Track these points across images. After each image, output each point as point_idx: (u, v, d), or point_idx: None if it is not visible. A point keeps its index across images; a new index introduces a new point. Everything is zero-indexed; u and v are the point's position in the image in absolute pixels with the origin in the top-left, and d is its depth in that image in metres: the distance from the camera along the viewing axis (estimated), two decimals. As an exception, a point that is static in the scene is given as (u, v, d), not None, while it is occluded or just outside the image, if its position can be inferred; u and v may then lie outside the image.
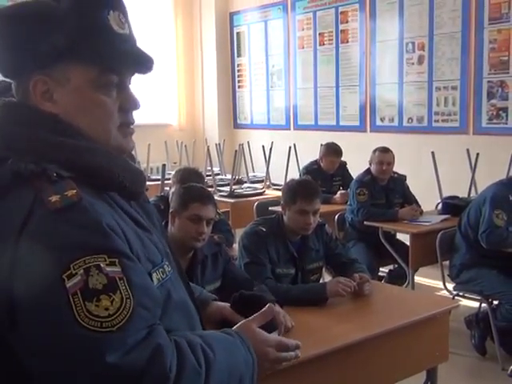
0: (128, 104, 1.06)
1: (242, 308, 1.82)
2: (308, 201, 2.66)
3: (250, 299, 1.87)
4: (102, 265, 0.87)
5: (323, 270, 2.99)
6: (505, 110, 5.39)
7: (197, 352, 0.97)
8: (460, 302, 3.40)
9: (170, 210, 2.39)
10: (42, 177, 0.92)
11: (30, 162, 0.93)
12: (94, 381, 0.86)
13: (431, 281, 4.89)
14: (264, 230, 2.70)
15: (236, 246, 3.56)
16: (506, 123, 5.38)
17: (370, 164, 4.64)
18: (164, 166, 4.49)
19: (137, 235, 1.00)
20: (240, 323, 1.20)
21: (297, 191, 2.71)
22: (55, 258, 0.86)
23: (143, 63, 1.06)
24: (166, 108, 8.59)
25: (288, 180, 3.07)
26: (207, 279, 2.36)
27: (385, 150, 4.57)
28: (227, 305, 1.92)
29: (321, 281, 2.94)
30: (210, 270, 2.40)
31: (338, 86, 7.00)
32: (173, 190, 3.46)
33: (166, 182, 4.54)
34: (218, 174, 6.71)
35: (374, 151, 4.62)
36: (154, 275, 1.01)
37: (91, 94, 1.01)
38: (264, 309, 1.23)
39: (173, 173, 3.63)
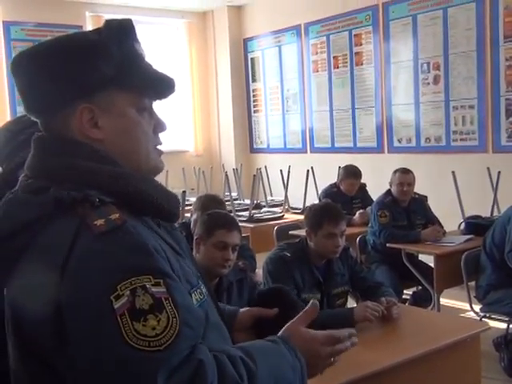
0: (159, 126, 1.13)
1: (265, 305, 1.81)
2: (334, 223, 2.65)
3: (269, 294, 1.89)
4: (147, 285, 0.89)
5: (348, 294, 2.96)
6: (524, 127, 5.35)
7: (237, 365, 0.97)
8: (488, 324, 3.34)
9: (195, 237, 2.38)
10: (85, 203, 0.95)
11: (71, 189, 0.96)
12: None
13: (457, 302, 4.81)
14: (289, 255, 2.68)
15: (258, 271, 3.54)
16: (526, 140, 5.34)
17: (391, 185, 4.61)
18: (184, 192, 4.49)
19: (175, 257, 1.02)
20: (285, 327, 1.17)
21: (322, 215, 2.70)
22: (102, 280, 0.88)
23: (170, 85, 1.12)
24: (183, 135, 8.64)
25: (309, 205, 3.05)
26: (233, 306, 2.33)
27: (405, 171, 4.54)
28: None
29: (346, 306, 2.91)
30: (235, 296, 2.38)
31: (353, 108, 7.00)
32: (194, 216, 3.46)
33: (185, 208, 4.55)
34: (236, 199, 6.71)
35: (395, 172, 4.59)
36: (193, 296, 1.03)
37: (134, 118, 1.07)
38: (307, 307, 1.21)
39: (192, 200, 3.64)
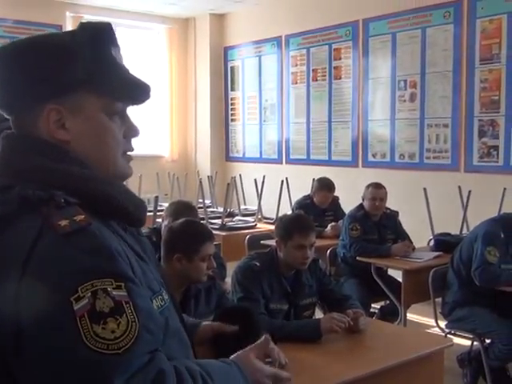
0: (131, 132, 1.12)
1: (227, 321, 1.86)
2: (304, 235, 2.66)
3: (233, 311, 1.95)
4: (109, 288, 0.89)
5: (316, 306, 2.97)
6: (496, 148, 5.45)
7: (196, 379, 0.98)
8: (452, 341, 3.37)
9: (175, 255, 2.35)
10: (50, 203, 0.94)
11: (37, 188, 0.95)
12: None
13: (423, 318, 4.86)
14: (258, 264, 2.68)
15: (228, 279, 3.53)
16: (497, 161, 5.43)
17: (363, 199, 4.65)
18: (157, 197, 4.48)
19: (137, 262, 1.02)
20: (237, 353, 1.21)
21: (292, 226, 2.71)
22: (63, 281, 0.88)
23: (145, 91, 1.11)
24: (159, 139, 8.61)
25: (281, 215, 3.06)
26: (200, 313, 2.33)
27: (378, 186, 4.59)
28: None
29: (314, 317, 2.91)
30: (203, 304, 2.38)
31: (330, 122, 7.06)
32: (165, 222, 3.44)
33: (158, 213, 4.52)
34: (210, 207, 6.70)
35: (367, 187, 4.63)
36: (154, 302, 1.03)
37: (103, 122, 1.06)
38: (260, 340, 1.27)
39: (165, 205, 3.62)
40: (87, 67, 1.03)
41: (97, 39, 1.05)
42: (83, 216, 0.94)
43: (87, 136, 1.05)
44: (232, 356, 1.19)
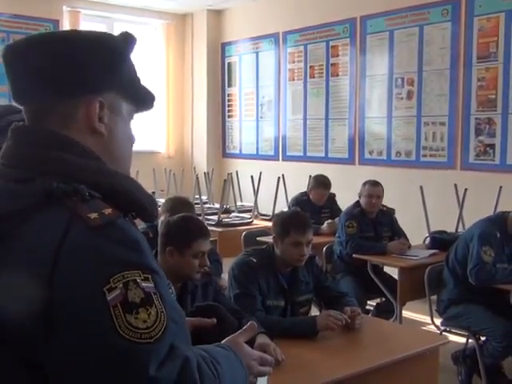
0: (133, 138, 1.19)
1: (201, 317, 1.94)
2: (301, 232, 2.66)
3: (206, 309, 2.04)
4: (138, 280, 0.91)
5: (312, 303, 2.98)
6: (492, 146, 5.46)
7: (209, 364, 1.01)
8: (448, 338, 3.39)
9: (168, 248, 2.35)
10: (75, 196, 0.95)
11: (59, 182, 0.96)
12: None
13: (419, 315, 4.88)
14: (255, 260, 2.69)
15: (224, 275, 3.53)
16: (493, 160, 5.45)
17: (360, 197, 4.66)
18: (153, 193, 4.48)
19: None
20: (228, 338, 1.25)
21: (289, 223, 2.71)
22: (96, 272, 0.90)
23: (154, 101, 1.18)
24: (155, 135, 8.59)
25: (278, 212, 3.07)
26: (197, 310, 2.33)
27: (374, 184, 4.60)
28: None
29: (310, 314, 2.92)
30: (200, 300, 2.37)
31: (327, 119, 7.06)
32: (162, 218, 3.44)
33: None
34: (206, 203, 6.70)
35: (364, 184, 4.64)
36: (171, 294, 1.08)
37: (130, 127, 1.14)
38: (247, 325, 1.30)
39: (161, 201, 3.61)
40: (129, 72, 1.10)
41: (132, 48, 1.11)
42: (111, 209, 0.96)
43: (118, 134, 1.10)
44: (222, 341, 1.22)
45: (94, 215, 0.93)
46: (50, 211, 0.94)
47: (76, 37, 1.07)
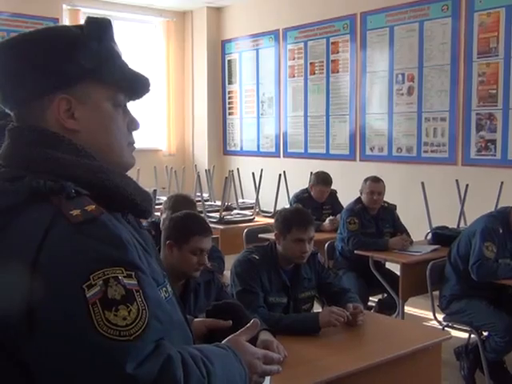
0: (133, 124, 1.16)
1: (219, 316, 1.90)
2: (303, 229, 2.66)
3: (224, 307, 1.99)
4: (120, 277, 0.91)
5: (314, 299, 2.98)
6: (493, 141, 5.46)
7: (199, 363, 0.99)
8: (451, 334, 3.39)
9: (168, 241, 2.36)
10: (61, 193, 0.95)
11: (47, 179, 0.96)
12: None
13: (421, 311, 4.88)
14: (257, 257, 2.69)
15: (227, 272, 3.54)
16: (495, 155, 5.45)
17: (361, 193, 4.66)
18: (155, 191, 4.48)
19: (143, 254, 1.04)
20: (229, 338, 1.23)
21: (291, 220, 2.71)
22: (76, 269, 0.90)
23: (144, 83, 1.15)
24: (156, 133, 8.59)
25: (280, 209, 3.07)
26: (200, 307, 2.34)
27: (376, 180, 4.59)
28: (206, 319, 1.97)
29: (312, 310, 2.92)
30: (202, 297, 2.38)
31: (328, 115, 7.05)
32: (164, 216, 3.45)
33: (155, 207, 4.52)
34: (207, 200, 6.70)
35: (365, 180, 4.64)
36: (159, 292, 1.05)
37: (109, 112, 1.10)
38: (250, 323, 1.28)
39: (163, 198, 3.61)
40: (94, 58, 1.06)
41: (103, 32, 1.09)
42: (94, 206, 0.95)
43: (95, 125, 1.08)
44: (224, 341, 1.21)
45: (76, 212, 0.93)
46: (35, 209, 0.95)
47: (36, 37, 1.07)
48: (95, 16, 1.11)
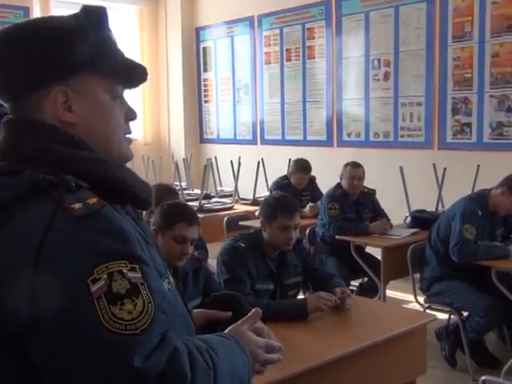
0: (130, 115, 1.15)
1: (218, 308, 1.89)
2: (289, 216, 2.68)
3: (224, 298, 1.98)
4: (124, 270, 0.90)
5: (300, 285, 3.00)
6: (469, 125, 5.53)
7: (204, 354, 0.99)
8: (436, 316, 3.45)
9: (153, 227, 2.36)
10: (61, 187, 0.94)
11: (46, 173, 0.95)
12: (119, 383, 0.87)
13: (401, 294, 4.95)
14: (243, 245, 2.70)
15: (211, 261, 3.54)
16: (470, 138, 5.52)
17: (341, 179, 4.69)
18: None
19: (145, 245, 1.03)
20: (231, 327, 1.23)
21: (277, 207, 2.72)
22: (79, 263, 0.88)
23: (142, 72, 1.14)
24: (131, 122, 8.48)
25: (265, 196, 3.07)
26: (189, 296, 2.34)
27: (356, 165, 4.63)
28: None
29: (299, 296, 2.95)
30: (191, 286, 2.38)
31: (304, 102, 7.06)
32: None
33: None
34: (186, 189, 6.68)
35: (345, 166, 4.67)
36: (163, 284, 1.04)
37: (107, 103, 1.08)
38: (251, 312, 1.28)
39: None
40: (91, 49, 1.04)
41: (99, 22, 1.07)
42: (96, 199, 0.94)
43: (93, 117, 1.06)
44: (226, 330, 1.21)
45: (77, 205, 0.92)
46: (36, 203, 0.93)
47: (31, 27, 1.05)
48: (91, 5, 1.08)
